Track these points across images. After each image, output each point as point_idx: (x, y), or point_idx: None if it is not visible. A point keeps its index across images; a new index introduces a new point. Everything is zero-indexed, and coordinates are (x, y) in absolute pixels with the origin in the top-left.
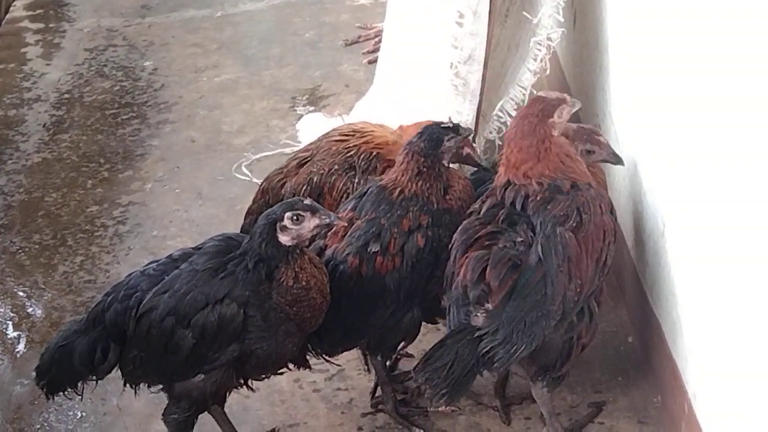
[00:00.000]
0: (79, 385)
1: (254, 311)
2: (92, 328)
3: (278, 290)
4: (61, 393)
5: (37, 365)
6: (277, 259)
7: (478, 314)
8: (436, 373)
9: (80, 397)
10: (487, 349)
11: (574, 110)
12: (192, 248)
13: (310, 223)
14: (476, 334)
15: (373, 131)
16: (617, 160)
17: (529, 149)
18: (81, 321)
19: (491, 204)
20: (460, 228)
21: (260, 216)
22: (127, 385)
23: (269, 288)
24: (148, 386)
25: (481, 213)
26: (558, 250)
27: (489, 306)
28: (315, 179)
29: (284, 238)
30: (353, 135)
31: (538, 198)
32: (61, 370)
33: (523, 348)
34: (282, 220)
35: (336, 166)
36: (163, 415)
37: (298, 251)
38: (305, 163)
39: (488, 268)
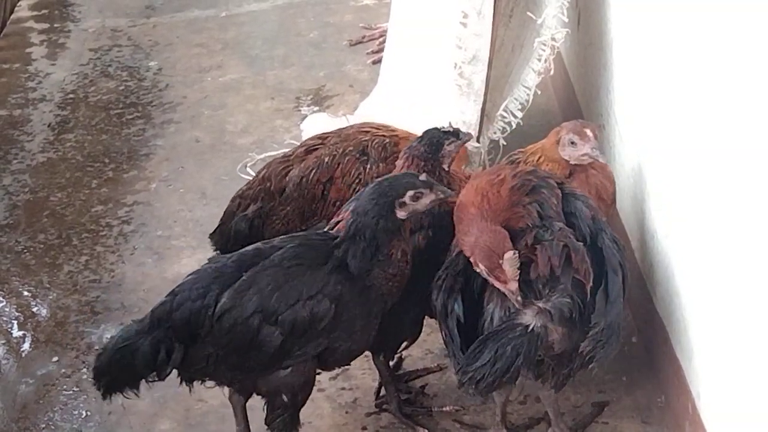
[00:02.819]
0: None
1: (347, 299)
2: (156, 328)
3: (383, 265)
4: (120, 393)
5: (94, 366)
6: (392, 234)
7: (525, 310)
8: (479, 361)
9: (136, 395)
10: (591, 348)
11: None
12: (263, 245)
13: (427, 199)
14: (590, 333)
15: (390, 127)
16: (597, 156)
17: None
18: (142, 321)
19: None
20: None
21: (372, 193)
22: (183, 382)
23: (370, 267)
24: (202, 382)
25: None
26: (626, 256)
27: (543, 305)
28: (326, 160)
29: (401, 213)
30: (371, 127)
31: (553, 201)
32: (122, 370)
33: (614, 351)
34: (403, 197)
35: (351, 148)
36: (266, 424)
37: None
38: (314, 150)
39: (572, 253)
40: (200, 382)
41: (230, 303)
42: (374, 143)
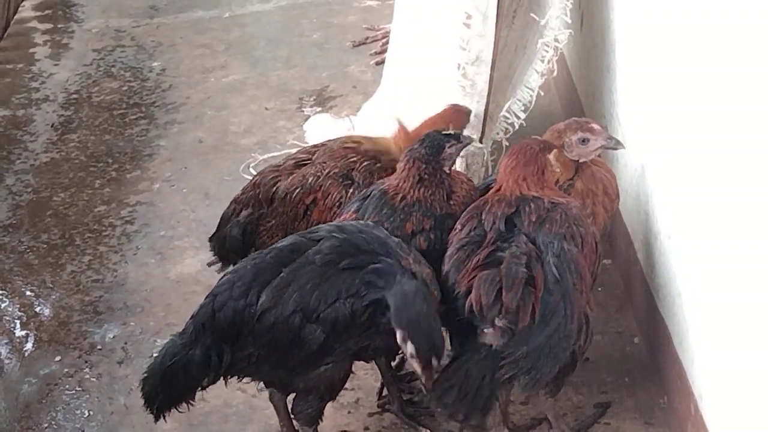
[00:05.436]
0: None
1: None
2: (202, 333)
3: None
4: (175, 409)
5: (143, 392)
6: None
7: (486, 330)
8: (447, 394)
9: (193, 405)
10: (510, 375)
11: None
12: (300, 238)
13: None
14: (502, 363)
15: (378, 143)
16: (616, 144)
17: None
18: (184, 333)
19: (472, 227)
20: (453, 246)
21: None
22: (223, 382)
23: None
24: (239, 379)
25: (463, 235)
26: (571, 269)
27: (500, 323)
28: (310, 180)
29: None
30: (355, 142)
31: (532, 217)
32: (177, 386)
33: (548, 372)
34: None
35: (336, 170)
36: (293, 412)
37: None
38: (303, 164)
39: (503, 290)
40: (238, 379)
41: (270, 301)
42: (361, 167)
